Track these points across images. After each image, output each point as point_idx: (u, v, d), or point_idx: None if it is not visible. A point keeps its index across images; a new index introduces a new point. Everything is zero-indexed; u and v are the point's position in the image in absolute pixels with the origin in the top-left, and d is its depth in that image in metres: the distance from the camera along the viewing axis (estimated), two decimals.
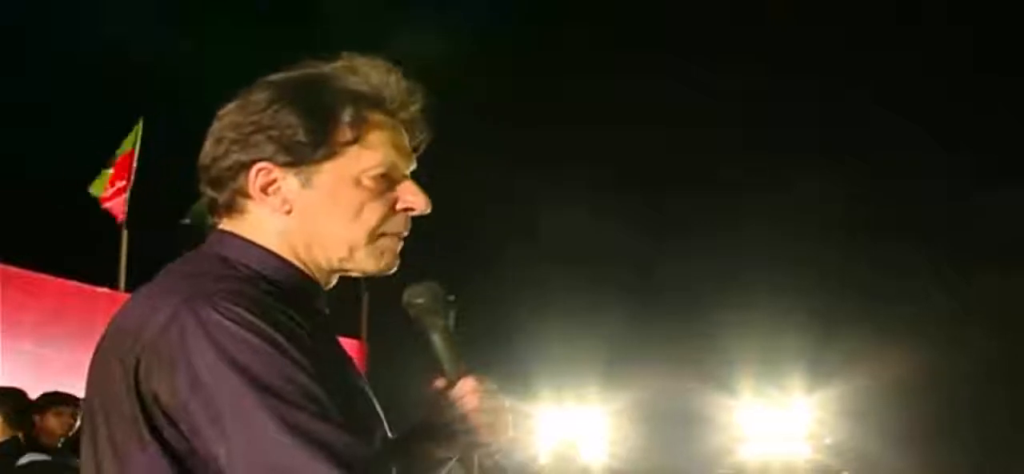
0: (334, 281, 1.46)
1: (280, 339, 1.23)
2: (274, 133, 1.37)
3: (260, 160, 1.37)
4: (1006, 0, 15.34)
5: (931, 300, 14.72)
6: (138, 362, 1.25)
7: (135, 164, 9.72)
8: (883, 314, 15.26)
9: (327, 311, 1.46)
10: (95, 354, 1.36)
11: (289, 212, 1.39)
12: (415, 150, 1.48)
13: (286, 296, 1.33)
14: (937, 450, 13.54)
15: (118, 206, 9.76)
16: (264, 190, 1.38)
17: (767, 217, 15.33)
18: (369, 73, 1.43)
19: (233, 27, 13.84)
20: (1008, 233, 13.81)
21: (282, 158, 1.37)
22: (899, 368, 14.19)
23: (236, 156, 1.38)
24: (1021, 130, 15.17)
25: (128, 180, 9.69)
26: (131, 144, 9.72)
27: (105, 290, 8.74)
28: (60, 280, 8.94)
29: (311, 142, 1.37)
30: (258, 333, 1.23)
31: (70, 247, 10.33)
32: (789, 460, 14.81)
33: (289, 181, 1.38)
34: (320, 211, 1.39)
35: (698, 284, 15.39)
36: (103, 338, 1.35)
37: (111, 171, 9.81)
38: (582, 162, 15.89)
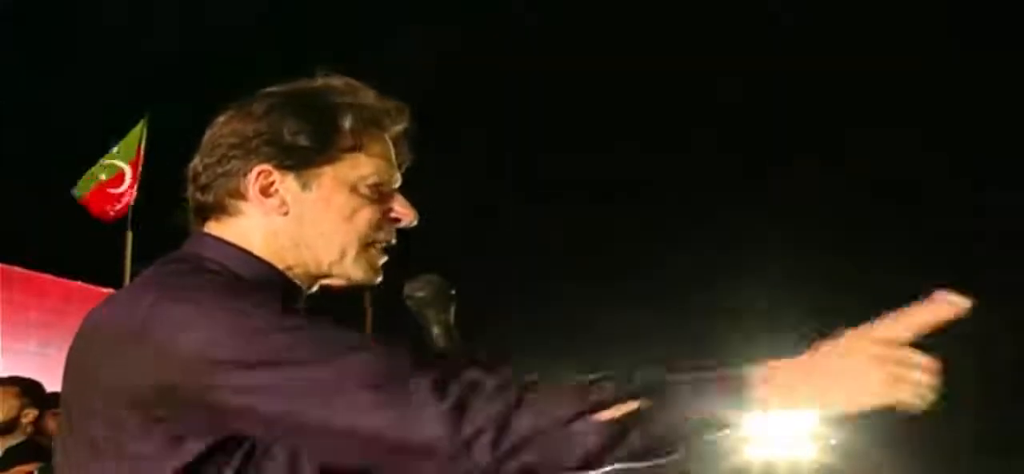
0: (315, 288, 1.47)
1: (261, 320, 1.26)
2: (276, 137, 1.40)
3: (261, 163, 1.40)
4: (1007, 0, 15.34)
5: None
6: (123, 358, 1.26)
7: (141, 163, 9.61)
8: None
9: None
10: (71, 354, 1.37)
11: (286, 214, 1.41)
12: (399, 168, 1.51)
13: (265, 292, 1.35)
14: (942, 450, 13.53)
15: (99, 203, 9.44)
16: (264, 192, 1.40)
17: (769, 216, 15.33)
18: (363, 90, 1.47)
19: (234, 25, 13.86)
20: (1008, 233, 13.80)
21: (283, 161, 1.40)
22: None
23: (235, 161, 1.40)
24: (1021, 130, 15.17)
25: (135, 180, 9.57)
26: (136, 141, 9.61)
27: (109, 290, 8.72)
28: (64, 280, 8.94)
29: (313, 146, 1.41)
30: (241, 313, 1.25)
31: (74, 247, 10.32)
32: (794, 461, 14.78)
33: (289, 183, 1.41)
34: (316, 213, 1.41)
35: (700, 283, 15.39)
36: (79, 338, 1.37)
37: (103, 175, 9.57)
38: (583, 160, 15.89)
